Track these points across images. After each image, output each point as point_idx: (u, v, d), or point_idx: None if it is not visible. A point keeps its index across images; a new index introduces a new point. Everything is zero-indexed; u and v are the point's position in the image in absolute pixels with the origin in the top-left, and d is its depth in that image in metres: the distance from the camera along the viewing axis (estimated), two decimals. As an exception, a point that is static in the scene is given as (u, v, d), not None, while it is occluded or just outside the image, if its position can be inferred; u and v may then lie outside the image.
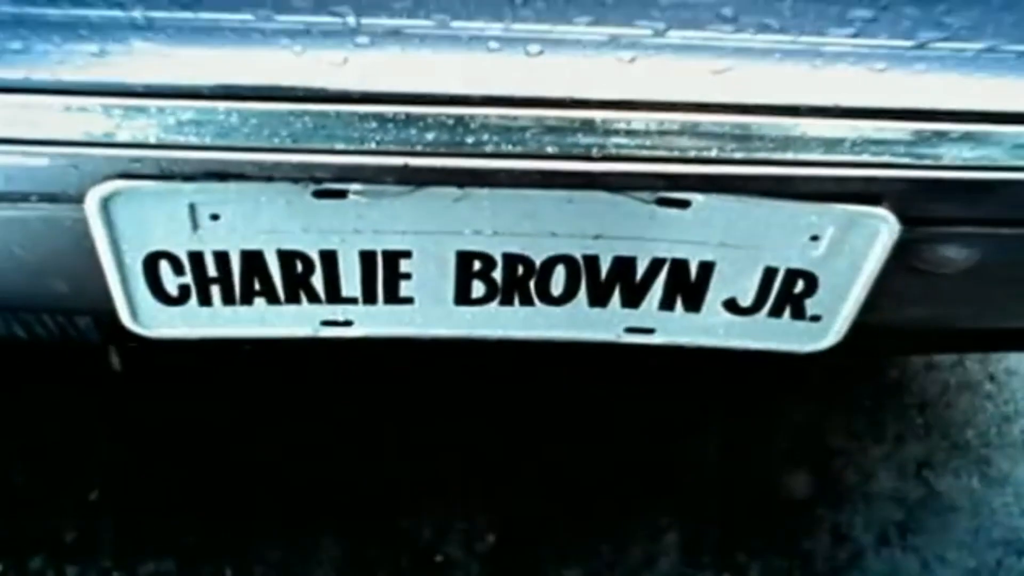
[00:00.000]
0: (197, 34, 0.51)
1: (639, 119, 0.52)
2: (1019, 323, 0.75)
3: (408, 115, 0.52)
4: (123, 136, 0.53)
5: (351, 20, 0.51)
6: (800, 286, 0.62)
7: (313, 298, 0.64)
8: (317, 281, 0.62)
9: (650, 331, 0.66)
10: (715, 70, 0.52)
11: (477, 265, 0.61)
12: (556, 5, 0.52)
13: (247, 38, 0.51)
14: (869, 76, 0.53)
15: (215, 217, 0.57)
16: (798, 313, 0.64)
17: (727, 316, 0.64)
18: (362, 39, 0.51)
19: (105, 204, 0.55)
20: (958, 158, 0.55)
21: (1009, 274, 0.66)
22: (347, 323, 0.66)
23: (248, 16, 0.51)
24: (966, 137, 0.54)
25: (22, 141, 0.53)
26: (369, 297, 0.63)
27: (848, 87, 0.53)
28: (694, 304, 0.64)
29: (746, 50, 0.53)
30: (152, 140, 0.53)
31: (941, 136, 0.54)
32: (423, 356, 0.90)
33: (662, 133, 0.52)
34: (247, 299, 0.63)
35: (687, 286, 0.62)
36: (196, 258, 0.60)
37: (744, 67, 0.52)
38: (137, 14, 0.51)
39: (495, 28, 0.52)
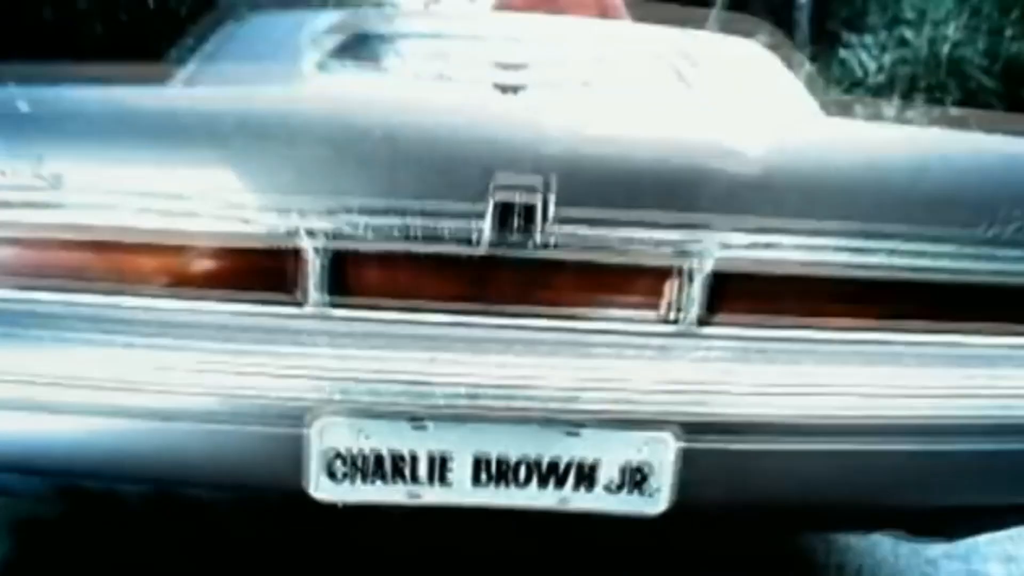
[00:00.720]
0: None
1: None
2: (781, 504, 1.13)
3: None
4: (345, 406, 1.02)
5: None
6: (638, 476, 1.04)
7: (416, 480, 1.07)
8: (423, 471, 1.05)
9: (566, 500, 1.08)
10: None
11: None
12: None
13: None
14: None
15: (368, 436, 1.02)
16: (638, 488, 1.06)
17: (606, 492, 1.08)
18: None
19: (324, 430, 1.01)
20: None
21: (759, 465, 1.06)
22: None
23: None
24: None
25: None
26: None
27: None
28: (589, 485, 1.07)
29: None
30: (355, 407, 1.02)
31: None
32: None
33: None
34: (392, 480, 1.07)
35: (584, 476, 1.06)
36: (358, 456, 1.03)
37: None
38: None
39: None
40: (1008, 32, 8.59)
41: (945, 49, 8.79)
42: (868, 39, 10.92)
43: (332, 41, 1.97)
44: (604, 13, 3.12)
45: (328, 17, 2.18)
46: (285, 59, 1.84)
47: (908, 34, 9.72)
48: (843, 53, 10.93)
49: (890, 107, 10.46)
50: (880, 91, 9.99)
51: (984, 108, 8.63)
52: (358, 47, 1.97)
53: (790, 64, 2.32)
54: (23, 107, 1.09)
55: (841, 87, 12.13)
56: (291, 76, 1.74)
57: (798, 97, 2.11)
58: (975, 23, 9.15)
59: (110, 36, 9.40)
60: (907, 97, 9.69)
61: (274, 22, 2.17)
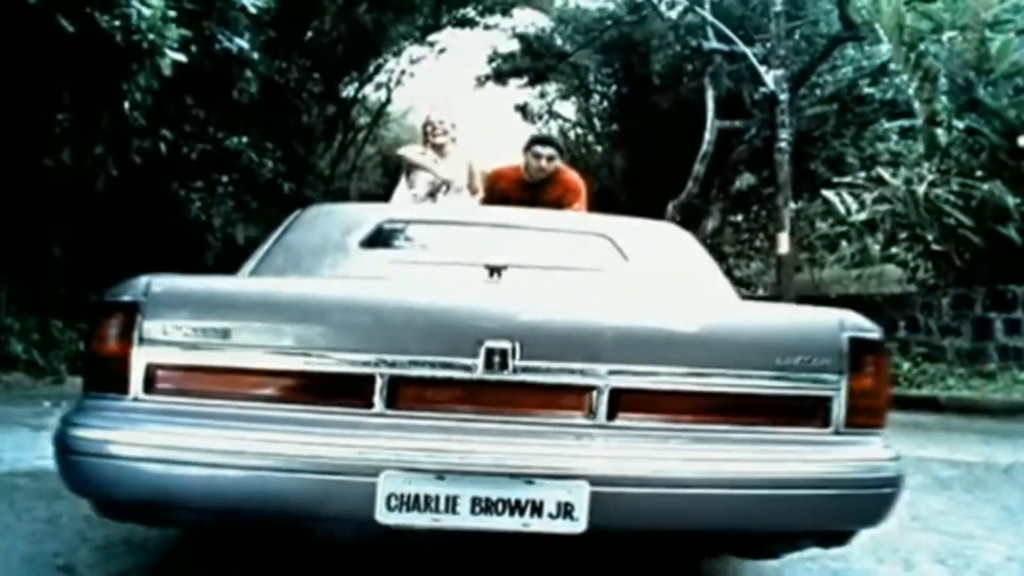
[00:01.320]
0: None
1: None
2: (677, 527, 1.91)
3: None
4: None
5: None
6: (568, 508, 1.75)
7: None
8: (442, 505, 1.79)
9: (527, 524, 1.79)
10: None
11: None
12: None
13: None
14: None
15: (410, 483, 1.77)
16: (568, 516, 1.77)
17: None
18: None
19: (385, 480, 1.73)
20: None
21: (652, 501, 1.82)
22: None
23: None
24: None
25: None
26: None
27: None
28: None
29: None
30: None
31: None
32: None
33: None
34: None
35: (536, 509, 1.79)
36: (405, 495, 1.77)
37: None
38: None
39: None
40: (978, 173, 9.03)
41: (921, 189, 9.18)
42: (847, 179, 11.44)
43: (369, 226, 2.90)
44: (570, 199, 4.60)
45: (366, 209, 3.58)
46: (339, 237, 2.83)
47: (885, 174, 10.18)
48: (825, 192, 11.42)
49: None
50: (863, 227, 10.35)
51: (962, 243, 8.93)
52: (387, 231, 2.93)
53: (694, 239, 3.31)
54: (202, 294, 2.07)
55: (827, 223, 12.60)
56: (346, 253, 2.75)
57: (701, 265, 2.97)
58: (947, 164, 9.63)
59: (125, 176, 9.84)
60: (889, 233, 10.02)
61: (330, 210, 3.51)
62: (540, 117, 30.04)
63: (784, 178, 11.12)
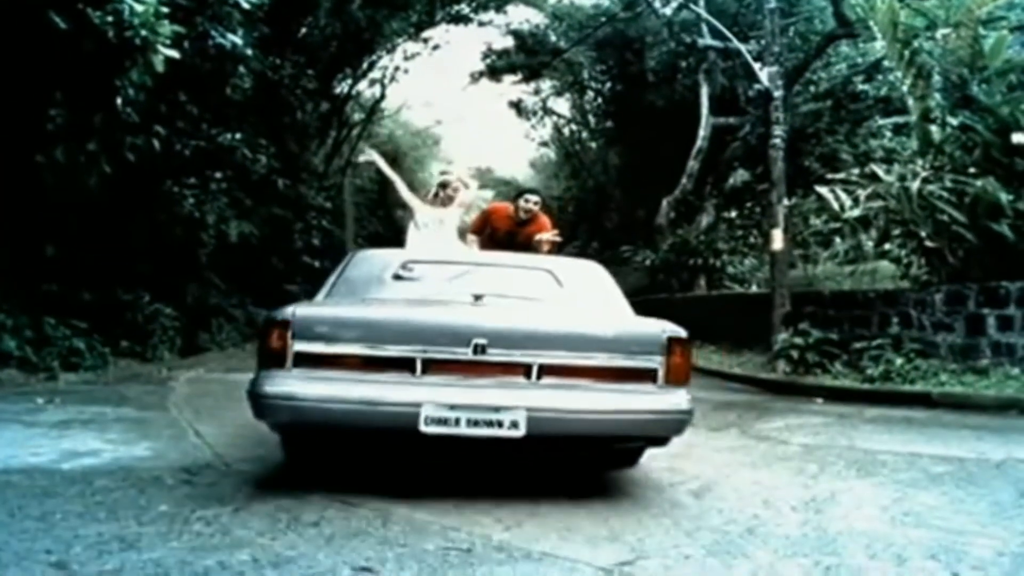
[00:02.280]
0: None
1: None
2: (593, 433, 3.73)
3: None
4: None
5: None
6: (516, 423, 3.47)
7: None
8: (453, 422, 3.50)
9: (495, 432, 3.51)
10: None
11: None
12: None
13: None
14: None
15: (436, 411, 3.48)
16: (515, 427, 3.47)
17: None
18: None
19: (424, 409, 3.43)
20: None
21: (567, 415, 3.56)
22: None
23: None
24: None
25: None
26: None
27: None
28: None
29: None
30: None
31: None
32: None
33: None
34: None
35: (500, 424, 3.51)
36: (435, 417, 3.47)
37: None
38: None
39: None
40: (972, 169, 9.04)
41: (915, 185, 9.19)
42: (841, 175, 11.45)
43: (396, 265, 4.51)
44: (537, 249, 6.20)
45: (393, 253, 4.98)
46: (382, 271, 4.44)
47: (879, 171, 10.19)
48: (819, 189, 11.44)
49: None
50: (857, 224, 10.37)
51: (955, 239, 8.95)
52: (408, 269, 4.49)
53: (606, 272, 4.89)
54: (316, 316, 3.73)
55: (820, 220, 12.62)
56: (383, 283, 4.34)
57: (606, 288, 4.62)
58: (941, 161, 9.64)
59: (118, 174, 9.80)
60: (883, 230, 10.03)
61: (371, 254, 4.96)
62: (534, 114, 30.01)
63: (778, 174, 11.11)
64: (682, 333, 3.74)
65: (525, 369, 3.59)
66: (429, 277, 4.47)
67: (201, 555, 2.75)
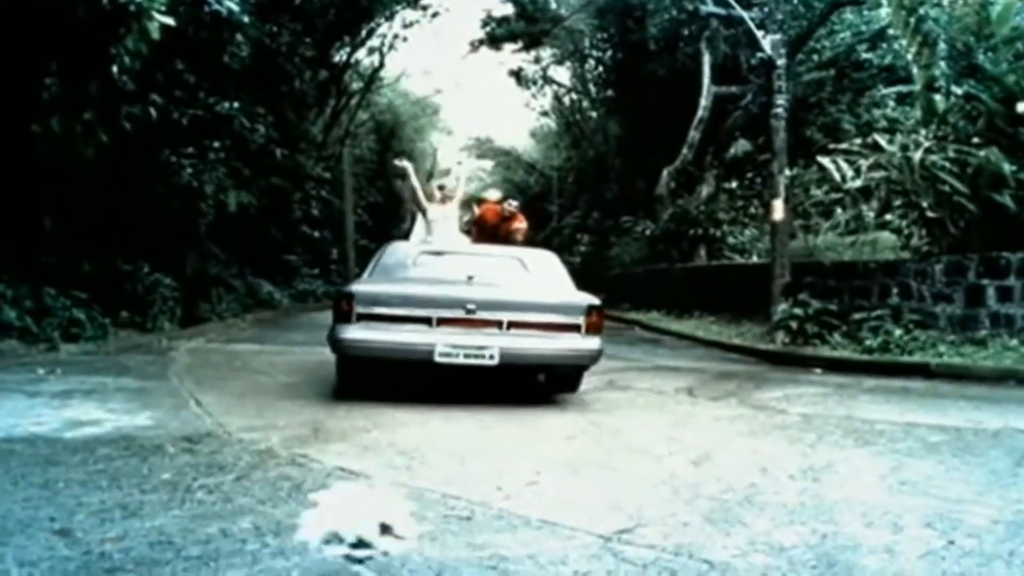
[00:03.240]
0: None
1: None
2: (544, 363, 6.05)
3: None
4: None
5: None
6: (493, 355, 5.59)
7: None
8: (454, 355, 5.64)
9: (482, 362, 5.61)
10: None
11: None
12: None
13: None
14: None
15: (444, 349, 5.61)
16: (492, 359, 5.59)
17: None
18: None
19: (436, 346, 5.53)
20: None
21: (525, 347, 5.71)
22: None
23: None
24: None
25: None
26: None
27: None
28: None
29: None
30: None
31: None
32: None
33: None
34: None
35: (484, 356, 5.63)
36: (444, 351, 5.60)
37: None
38: None
39: None
40: (975, 139, 8.98)
41: (917, 155, 9.13)
42: (843, 145, 11.37)
43: (416, 254, 6.70)
44: (514, 237, 8.90)
45: (414, 245, 7.57)
46: (407, 259, 6.57)
47: (881, 141, 10.12)
48: (820, 159, 11.37)
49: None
50: (858, 194, 10.32)
51: (956, 210, 8.92)
52: (429, 254, 6.73)
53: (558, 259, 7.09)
54: (370, 291, 5.81)
55: (822, 190, 12.56)
56: (407, 268, 6.42)
57: (559, 273, 6.60)
58: (944, 131, 9.57)
59: (115, 144, 9.73)
60: (884, 200, 9.99)
61: (398, 246, 7.06)
62: (534, 83, 29.74)
63: (780, 144, 11.03)
64: (597, 302, 5.97)
65: (499, 323, 5.68)
66: (437, 263, 6.55)
67: (203, 523, 2.78)
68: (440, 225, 8.32)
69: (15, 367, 6.92)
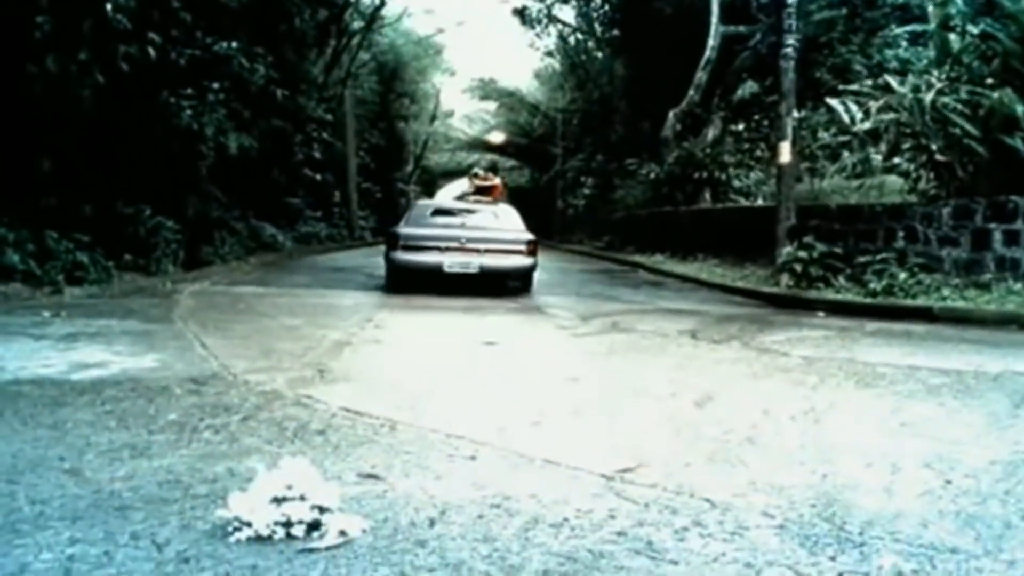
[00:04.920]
0: None
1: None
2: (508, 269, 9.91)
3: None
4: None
5: None
6: (480, 269, 9.60)
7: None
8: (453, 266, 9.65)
9: (469, 271, 9.62)
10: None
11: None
12: None
13: None
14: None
15: (451, 264, 9.66)
16: (476, 269, 9.65)
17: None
18: None
19: (444, 260, 9.61)
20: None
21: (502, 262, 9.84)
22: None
23: None
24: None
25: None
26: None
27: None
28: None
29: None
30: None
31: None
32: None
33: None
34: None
35: (473, 265, 9.69)
36: (452, 264, 9.71)
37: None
38: None
39: None
40: (989, 81, 8.80)
41: (929, 97, 8.96)
42: (853, 87, 11.16)
43: (434, 207, 11.64)
44: (495, 196, 13.98)
45: (434, 201, 14.12)
46: (425, 216, 10.71)
47: (893, 82, 9.92)
48: (829, 100, 11.17)
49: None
50: (866, 137, 10.17)
51: (966, 153, 8.79)
52: (439, 209, 11.30)
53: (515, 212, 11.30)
54: (406, 232, 9.94)
55: (829, 133, 12.37)
56: (427, 217, 10.65)
57: (515, 224, 10.56)
58: (957, 72, 9.38)
59: (113, 85, 9.58)
60: (893, 143, 9.84)
61: (422, 202, 14.09)
62: (539, 22, 29.05)
63: (788, 86, 10.82)
64: (533, 237, 10.04)
65: (478, 250, 9.42)
66: (445, 213, 10.86)
67: (210, 462, 2.82)
68: (455, 190, 14.66)
69: (20, 310, 6.96)
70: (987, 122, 8.55)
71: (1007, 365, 5.09)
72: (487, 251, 9.47)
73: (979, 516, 2.47)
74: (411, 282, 9.59)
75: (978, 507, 2.55)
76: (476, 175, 15.82)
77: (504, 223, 10.41)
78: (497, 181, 15.66)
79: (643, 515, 2.43)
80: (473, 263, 9.35)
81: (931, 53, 10.48)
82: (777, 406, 3.93)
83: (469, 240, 9.56)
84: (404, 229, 9.87)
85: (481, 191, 14.10)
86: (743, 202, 15.96)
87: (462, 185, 14.80)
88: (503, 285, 9.99)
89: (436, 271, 9.36)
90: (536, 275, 10.15)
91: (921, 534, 2.31)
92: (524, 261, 9.73)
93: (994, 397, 4.18)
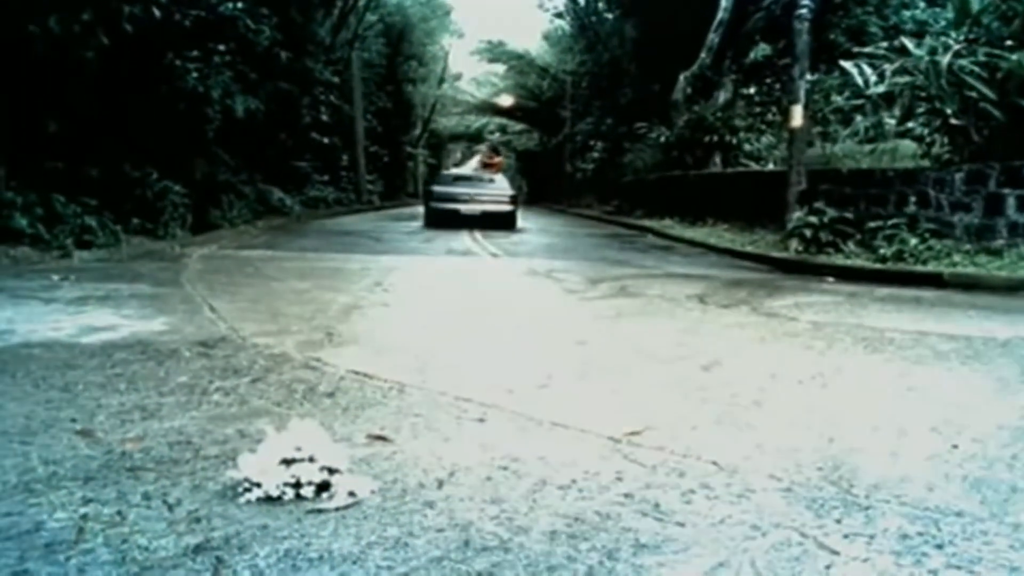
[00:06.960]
0: None
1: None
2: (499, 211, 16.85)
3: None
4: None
5: None
6: (483, 214, 16.70)
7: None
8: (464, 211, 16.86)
9: (474, 213, 16.64)
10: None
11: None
12: None
13: None
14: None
15: (464, 212, 17.13)
16: (480, 212, 16.82)
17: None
18: None
19: (461, 207, 16.68)
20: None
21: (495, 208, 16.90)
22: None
23: None
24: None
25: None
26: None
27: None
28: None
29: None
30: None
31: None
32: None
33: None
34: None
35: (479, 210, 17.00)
36: (466, 213, 16.93)
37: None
38: None
39: None
40: (1008, 43, 8.62)
41: (945, 59, 8.79)
42: (868, 49, 10.96)
43: (455, 175, 21.62)
44: (496, 169, 27.57)
45: (454, 171, 27.66)
46: (449, 180, 19.01)
47: (909, 44, 9.74)
48: (843, 63, 10.98)
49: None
50: (880, 101, 10.01)
51: (981, 117, 8.65)
52: (458, 177, 20.27)
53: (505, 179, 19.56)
54: (437, 191, 17.55)
55: (842, 97, 12.18)
56: (450, 182, 18.52)
57: (504, 187, 17.95)
58: (976, 33, 9.19)
59: (117, 47, 9.49)
60: (907, 107, 9.69)
61: (446, 173, 23.21)
62: (548, -18, 28.64)
63: (802, 48, 10.63)
64: (515, 193, 17.72)
65: (482, 201, 16.50)
66: (461, 179, 19.23)
67: (220, 424, 2.84)
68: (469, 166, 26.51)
69: (29, 274, 7.00)
70: (1004, 85, 8.40)
71: (1016, 331, 5.07)
72: (486, 201, 16.44)
73: (985, 480, 2.47)
74: (440, 220, 16.05)
75: (984, 471, 2.55)
76: (484, 154, 23.68)
77: (498, 186, 17.70)
78: (499, 159, 24.22)
79: (650, 477, 2.44)
80: (477, 209, 16.14)
81: (949, 14, 10.27)
82: (785, 370, 3.93)
83: (475, 195, 16.56)
84: (436, 188, 17.42)
85: (487, 165, 22.49)
86: (753, 166, 15.80)
87: (474, 163, 22.74)
88: (496, 222, 15.98)
89: (455, 213, 16.02)
90: (519, 217, 17.08)
91: (927, 497, 2.32)
92: (508, 207, 16.49)
93: (1003, 363, 4.17)
